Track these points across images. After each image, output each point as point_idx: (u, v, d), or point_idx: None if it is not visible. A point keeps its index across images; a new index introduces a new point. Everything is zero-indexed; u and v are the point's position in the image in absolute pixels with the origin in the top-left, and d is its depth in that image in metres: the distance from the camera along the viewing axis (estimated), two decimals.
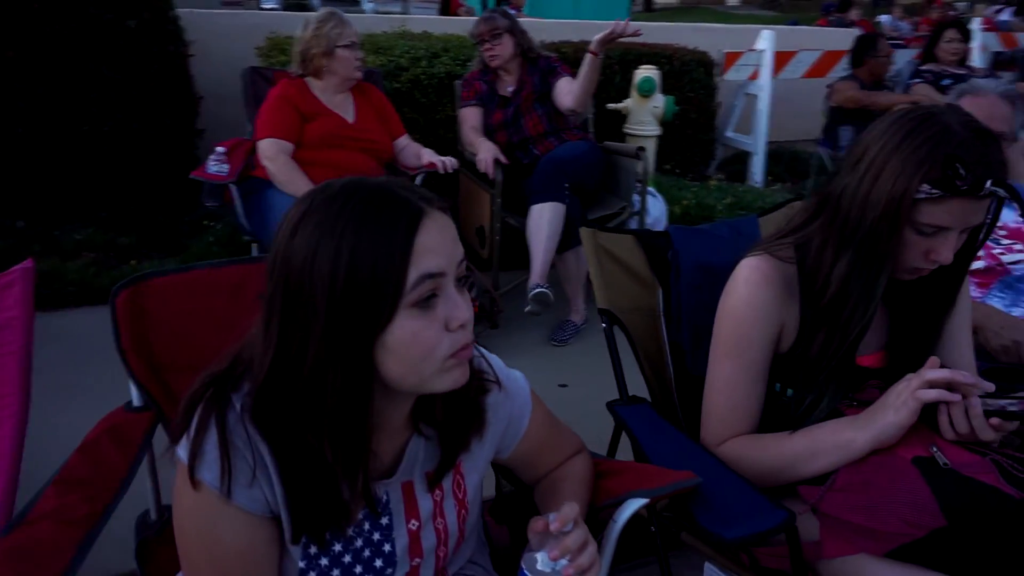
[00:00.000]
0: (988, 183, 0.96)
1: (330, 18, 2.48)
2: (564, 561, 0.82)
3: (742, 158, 5.08)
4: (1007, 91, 1.84)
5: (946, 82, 4.21)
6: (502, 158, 2.69)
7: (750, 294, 1.15)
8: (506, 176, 2.69)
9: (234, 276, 1.24)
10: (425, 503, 0.91)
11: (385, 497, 0.88)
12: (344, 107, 2.57)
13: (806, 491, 1.08)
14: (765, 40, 4.84)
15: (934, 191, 0.98)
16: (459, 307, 0.76)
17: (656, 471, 1.06)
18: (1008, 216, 1.89)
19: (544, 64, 2.89)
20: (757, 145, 4.87)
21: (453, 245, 0.77)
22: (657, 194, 3.01)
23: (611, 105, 4.00)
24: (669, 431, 1.22)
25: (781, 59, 4.91)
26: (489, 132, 2.87)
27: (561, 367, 2.56)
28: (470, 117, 2.89)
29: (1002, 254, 1.83)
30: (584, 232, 1.43)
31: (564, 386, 2.43)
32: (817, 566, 1.06)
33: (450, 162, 2.62)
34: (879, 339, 1.19)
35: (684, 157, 4.73)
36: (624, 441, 1.37)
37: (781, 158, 5.30)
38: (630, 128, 4.00)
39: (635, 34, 2.58)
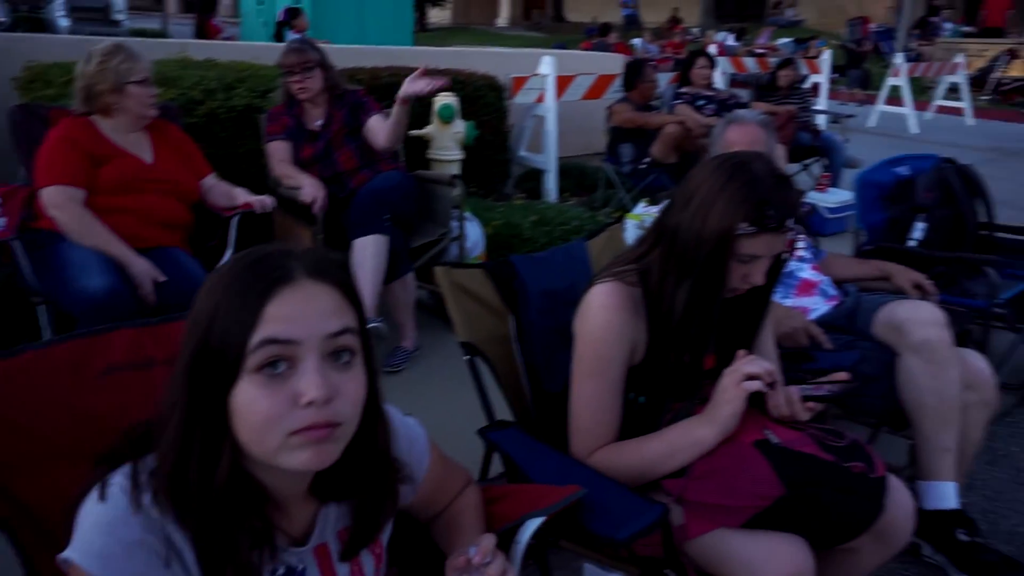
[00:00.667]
0: (789, 221, 1.18)
1: (117, 52, 2.28)
2: None
3: (536, 175, 5.41)
4: (762, 120, 2.17)
5: (700, 102, 4.83)
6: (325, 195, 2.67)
7: (607, 318, 1.29)
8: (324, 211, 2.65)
9: (70, 353, 1.13)
10: (342, 566, 0.91)
11: (301, 566, 0.87)
12: (139, 147, 2.38)
13: (669, 484, 1.24)
14: (547, 65, 5.20)
15: (750, 228, 1.18)
16: (310, 382, 0.73)
17: (543, 490, 1.14)
18: None
19: (352, 98, 2.89)
20: (549, 163, 5.22)
21: (319, 317, 0.75)
22: (473, 218, 3.14)
23: (414, 132, 4.07)
24: (542, 450, 1.32)
25: (562, 82, 5.31)
26: (299, 167, 2.81)
27: (401, 394, 2.57)
28: (279, 151, 2.81)
29: None
30: (439, 271, 1.48)
31: (408, 415, 2.46)
32: (684, 546, 1.21)
33: (268, 201, 2.53)
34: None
35: (484, 178, 4.94)
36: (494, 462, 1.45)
37: (571, 173, 5.72)
38: (434, 154, 4.11)
39: (444, 87, 2.72)
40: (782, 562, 1.11)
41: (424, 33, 26.73)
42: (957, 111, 10.80)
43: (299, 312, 0.74)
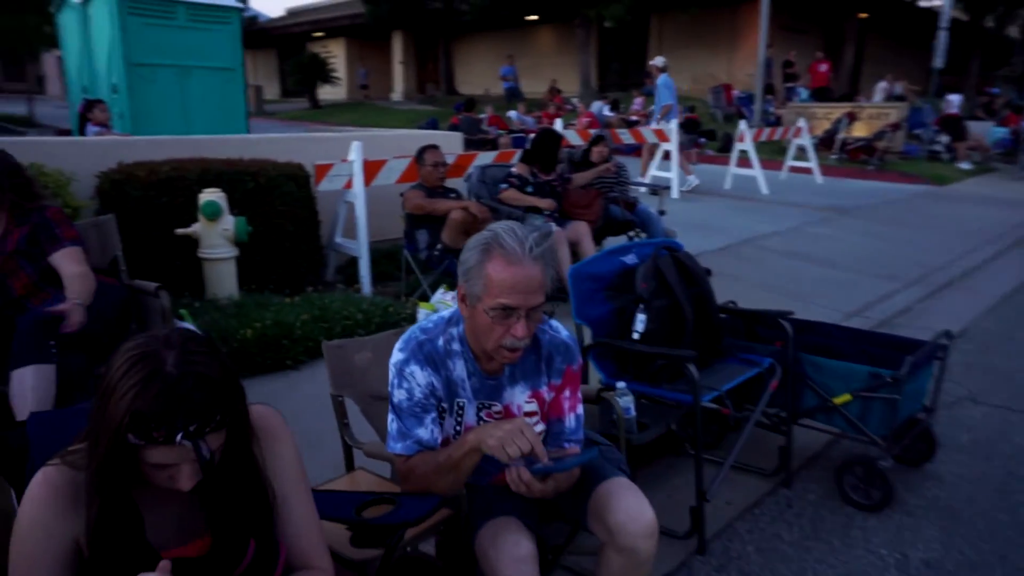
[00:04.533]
0: (179, 437, 1.00)
1: None
2: None
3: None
4: (539, 253, 1.47)
5: (529, 188, 4.77)
6: None
7: (33, 513, 1.08)
8: None
9: None
10: None
11: None
12: None
13: None
14: (355, 151, 5.08)
15: (140, 441, 1.00)
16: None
17: None
18: None
19: (38, 218, 2.56)
20: (360, 249, 5.03)
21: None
22: (191, 326, 2.88)
23: (180, 230, 3.83)
24: None
25: (373, 168, 5.19)
26: None
27: None
28: None
29: None
30: None
31: None
32: None
33: None
34: (197, 529, 1.18)
35: (287, 270, 4.70)
36: None
37: (393, 257, 5.55)
38: (204, 252, 3.87)
39: None
40: None
41: (317, 110, 26.78)
42: (807, 171, 11.38)
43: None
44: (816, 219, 8.23)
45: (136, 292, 2.82)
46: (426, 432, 1.56)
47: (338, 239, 5.29)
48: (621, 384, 2.20)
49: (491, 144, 11.42)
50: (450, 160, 5.61)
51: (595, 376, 2.65)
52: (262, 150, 5.25)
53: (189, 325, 2.86)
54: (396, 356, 1.60)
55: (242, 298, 3.95)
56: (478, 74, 27.70)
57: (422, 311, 4.08)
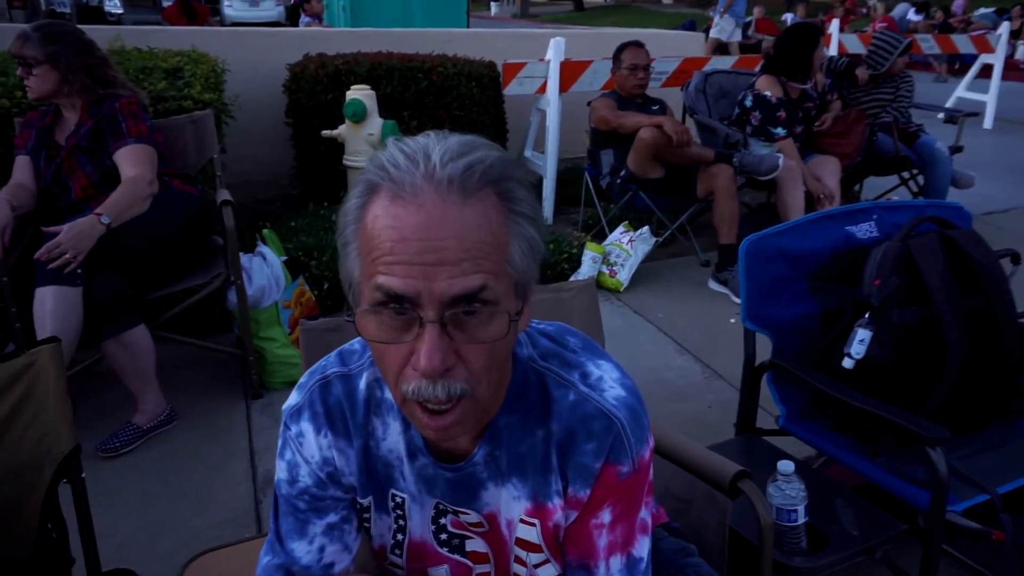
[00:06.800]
0: None
1: None
2: None
3: None
4: (457, 172, 0.64)
5: (780, 114, 3.55)
6: (6, 233, 2.04)
7: None
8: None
9: None
10: None
11: None
12: None
13: None
14: (553, 49, 4.24)
15: None
16: None
17: None
18: None
19: (108, 109, 2.18)
20: (547, 168, 4.26)
21: None
22: (270, 254, 2.37)
23: (326, 132, 3.37)
24: None
25: (573, 70, 4.31)
26: (41, 194, 2.22)
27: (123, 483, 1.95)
28: (15, 170, 2.23)
29: None
30: None
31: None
32: None
33: None
34: None
35: None
36: None
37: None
38: (348, 159, 3.38)
39: None
40: None
41: (579, 12, 25.81)
42: None
43: None
44: None
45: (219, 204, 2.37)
46: (307, 550, 0.82)
47: (528, 153, 4.58)
48: (786, 464, 1.24)
49: (751, 50, 9.77)
50: (672, 65, 4.56)
51: (769, 407, 1.68)
52: (462, 46, 4.65)
53: (267, 250, 2.37)
54: (289, 399, 0.85)
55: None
56: None
57: (589, 253, 3.25)
